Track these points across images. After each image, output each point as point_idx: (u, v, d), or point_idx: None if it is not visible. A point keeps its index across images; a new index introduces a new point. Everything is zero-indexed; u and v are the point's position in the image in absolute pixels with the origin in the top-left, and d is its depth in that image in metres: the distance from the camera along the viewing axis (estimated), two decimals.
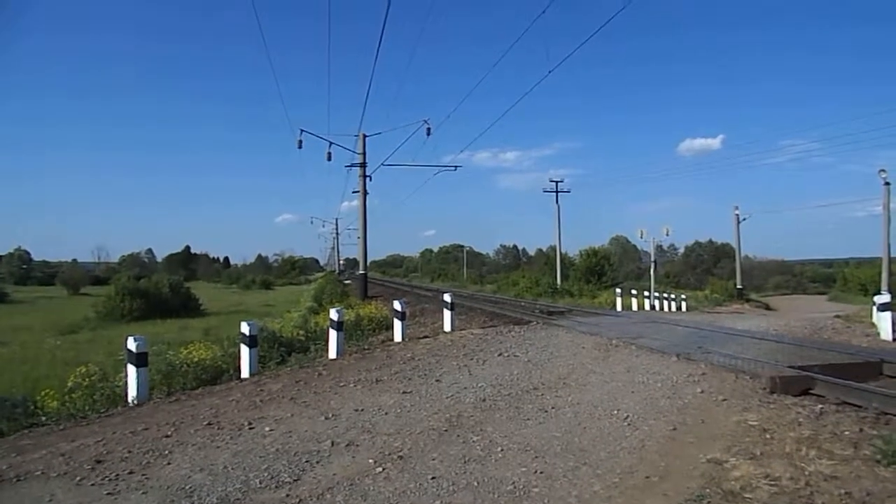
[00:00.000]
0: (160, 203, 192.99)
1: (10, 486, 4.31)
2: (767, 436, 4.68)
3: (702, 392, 6.26)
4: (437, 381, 7.39)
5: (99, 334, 23.55)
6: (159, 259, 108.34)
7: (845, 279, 55.39)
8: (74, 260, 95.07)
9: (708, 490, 3.70)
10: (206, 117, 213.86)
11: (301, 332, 13.48)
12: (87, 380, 8.47)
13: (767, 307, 36.98)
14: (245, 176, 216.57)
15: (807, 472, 3.87)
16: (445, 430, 5.29)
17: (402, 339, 11.38)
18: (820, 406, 5.45)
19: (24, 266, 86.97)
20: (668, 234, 31.09)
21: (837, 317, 18.19)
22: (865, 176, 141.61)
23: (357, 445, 4.94)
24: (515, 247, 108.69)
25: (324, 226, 76.98)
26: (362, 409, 6.11)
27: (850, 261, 69.68)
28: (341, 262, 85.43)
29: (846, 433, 4.62)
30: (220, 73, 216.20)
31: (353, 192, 30.11)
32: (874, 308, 15.19)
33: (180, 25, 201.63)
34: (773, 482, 3.75)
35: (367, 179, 26.65)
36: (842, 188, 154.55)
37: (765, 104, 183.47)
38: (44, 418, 7.30)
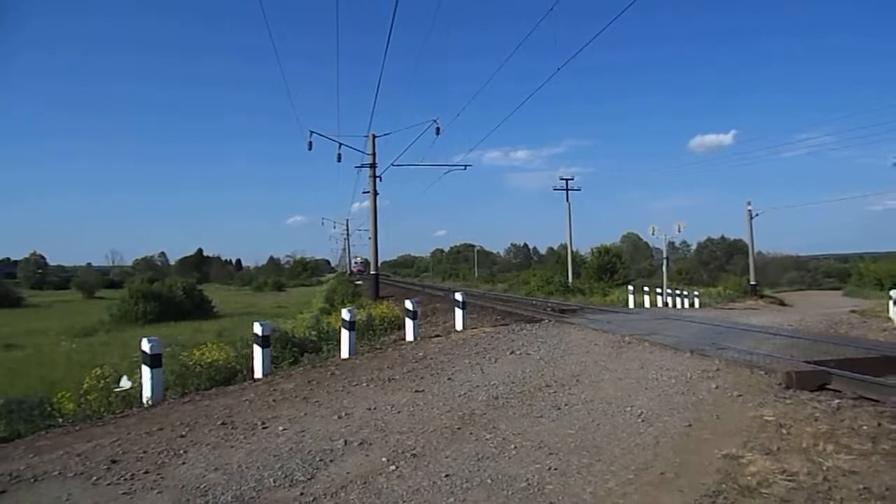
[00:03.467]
0: (172, 208, 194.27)
1: (28, 485, 4.36)
2: (784, 431, 4.63)
3: (716, 388, 6.21)
4: (449, 379, 7.38)
5: (114, 337, 23.80)
6: (172, 262, 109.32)
7: (861, 274, 54.64)
8: (89, 264, 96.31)
9: (724, 486, 3.66)
10: (219, 124, 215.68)
11: (313, 333, 13.52)
12: (102, 381, 8.53)
13: (782, 303, 36.64)
14: (256, 178, 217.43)
15: (824, 468, 3.82)
16: (458, 428, 5.28)
17: (414, 338, 11.39)
18: (837, 401, 5.39)
19: (40, 270, 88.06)
20: (679, 231, 30.87)
21: (853, 312, 17.99)
22: (881, 169, 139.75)
23: (370, 444, 4.94)
24: (526, 245, 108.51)
25: (335, 227, 77.25)
26: (375, 408, 6.11)
27: (865, 255, 68.90)
28: (358, 260, 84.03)
29: (864, 428, 4.56)
30: (230, 80, 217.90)
31: (364, 193, 30.20)
32: (891, 302, 15.04)
33: (192, 40, 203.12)
34: (790, 477, 3.71)
35: (378, 180, 26.66)
36: (857, 182, 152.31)
37: (777, 99, 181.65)
38: (60, 419, 7.39)
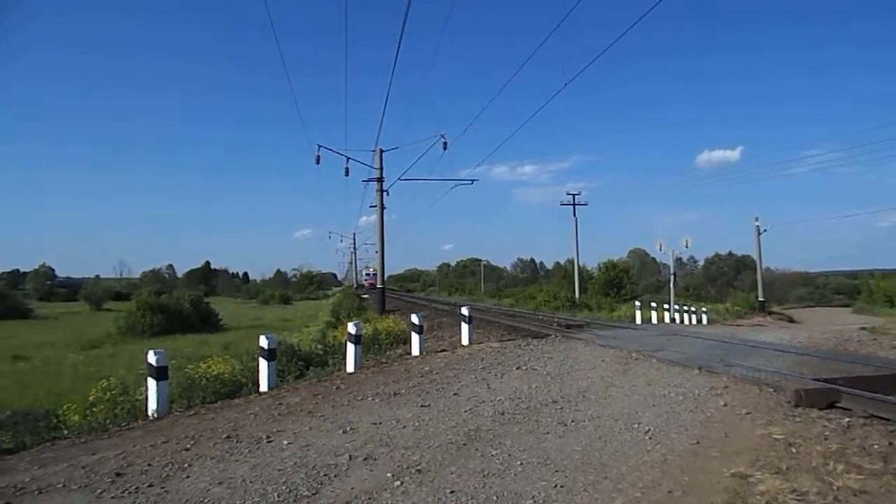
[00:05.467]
0: (181, 220, 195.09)
1: (32, 497, 4.35)
2: (793, 450, 4.58)
3: (725, 405, 6.15)
4: (455, 394, 7.35)
5: (120, 349, 23.85)
6: (180, 274, 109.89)
7: (870, 291, 54.27)
8: (97, 276, 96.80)
9: None
10: (226, 136, 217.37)
11: (319, 346, 13.54)
12: (108, 394, 8.56)
13: (790, 319, 36.31)
14: (264, 192, 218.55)
15: (835, 487, 3.77)
16: (464, 444, 5.24)
17: (420, 352, 11.36)
18: (847, 419, 5.33)
19: (49, 282, 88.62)
20: (687, 247, 30.71)
21: (863, 329, 17.85)
22: (888, 186, 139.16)
23: (375, 459, 4.91)
24: (533, 260, 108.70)
25: (342, 241, 77.57)
26: (380, 423, 6.08)
27: (874, 272, 68.35)
28: (370, 272, 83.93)
29: (875, 447, 4.50)
30: (239, 93, 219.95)
31: (371, 207, 30.25)
32: None
33: (201, 48, 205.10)
34: (799, 497, 3.66)
35: (385, 194, 26.78)
36: (864, 198, 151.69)
37: (785, 114, 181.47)
38: (66, 431, 7.40)
